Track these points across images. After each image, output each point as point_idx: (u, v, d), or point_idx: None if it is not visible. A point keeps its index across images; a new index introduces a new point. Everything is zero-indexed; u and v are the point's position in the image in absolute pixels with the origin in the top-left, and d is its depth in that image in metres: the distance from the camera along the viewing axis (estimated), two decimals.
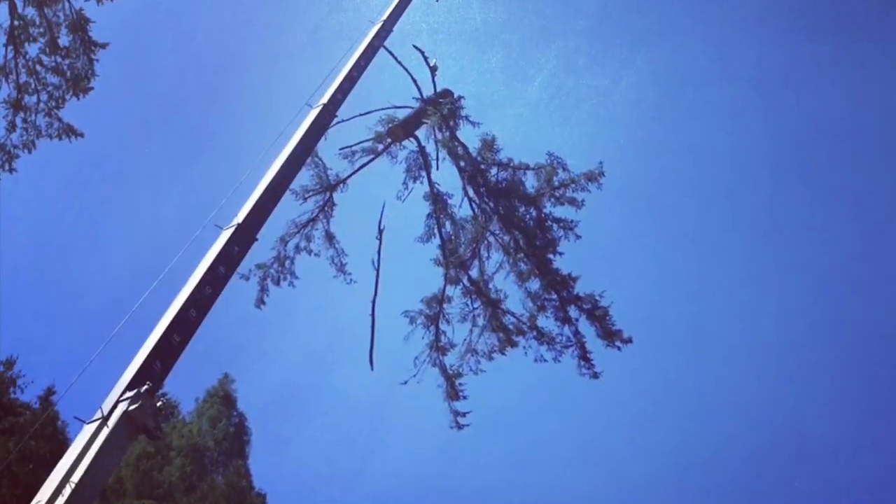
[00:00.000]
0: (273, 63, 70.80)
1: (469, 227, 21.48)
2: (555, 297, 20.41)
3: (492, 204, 21.67)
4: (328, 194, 21.93)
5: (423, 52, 22.62)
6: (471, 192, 21.73)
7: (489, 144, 21.36)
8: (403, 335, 21.03)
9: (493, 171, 21.62)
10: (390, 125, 21.58)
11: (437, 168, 22.03)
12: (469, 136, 21.56)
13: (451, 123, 21.48)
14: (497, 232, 21.48)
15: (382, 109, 21.88)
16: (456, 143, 21.46)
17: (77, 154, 67.54)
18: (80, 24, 24.97)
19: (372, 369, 21.51)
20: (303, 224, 21.81)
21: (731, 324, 61.92)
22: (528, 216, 21.25)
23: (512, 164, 21.44)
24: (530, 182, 21.25)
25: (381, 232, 21.47)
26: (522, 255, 20.89)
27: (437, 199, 21.83)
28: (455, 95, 22.65)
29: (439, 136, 21.55)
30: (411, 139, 22.05)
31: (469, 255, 21.28)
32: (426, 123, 21.58)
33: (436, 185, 22.05)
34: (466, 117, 21.82)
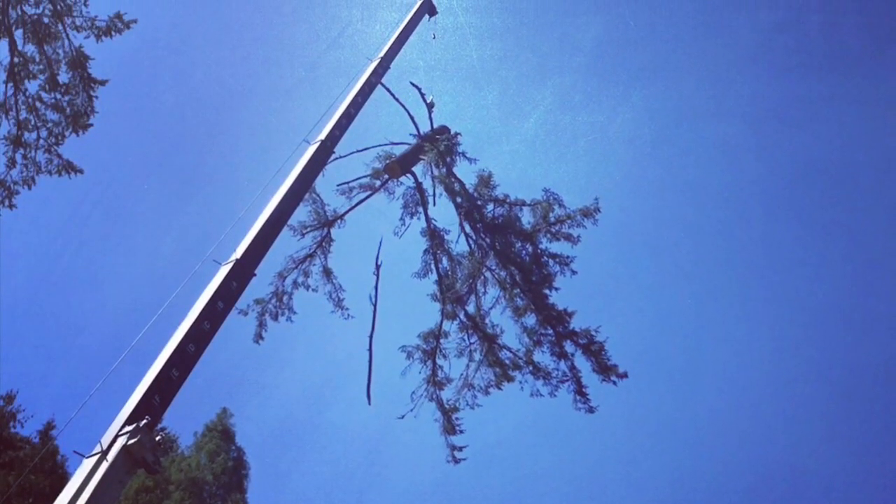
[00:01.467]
0: (271, 99, 71.19)
1: (466, 262, 21.56)
2: (551, 332, 20.46)
3: (488, 240, 21.76)
4: (326, 230, 22.04)
5: (420, 89, 22.81)
6: (467, 228, 21.84)
7: (486, 180, 21.49)
8: (400, 370, 21.07)
9: (490, 207, 21.73)
10: (387, 161, 21.71)
11: (434, 204, 22.16)
12: (466, 173, 21.67)
13: (448, 160, 21.63)
14: (493, 267, 21.54)
15: (380, 146, 22.03)
16: (453, 180, 21.59)
17: (77, 190, 67.90)
18: (79, 62, 25.16)
19: (369, 404, 21.53)
20: (301, 260, 21.90)
21: (726, 359, 61.88)
22: (524, 252, 21.35)
23: (508, 201, 21.57)
24: (526, 218, 21.36)
25: (378, 267, 21.56)
26: (519, 290, 20.95)
27: (434, 235, 21.94)
28: (452, 132, 22.82)
29: (436, 172, 21.68)
30: (408, 175, 22.19)
31: (466, 291, 21.34)
32: (423, 160, 21.73)
33: (433, 221, 22.18)
34: (463, 153, 21.97)
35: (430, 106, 22.89)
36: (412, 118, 22.33)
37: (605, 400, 20.76)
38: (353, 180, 21.96)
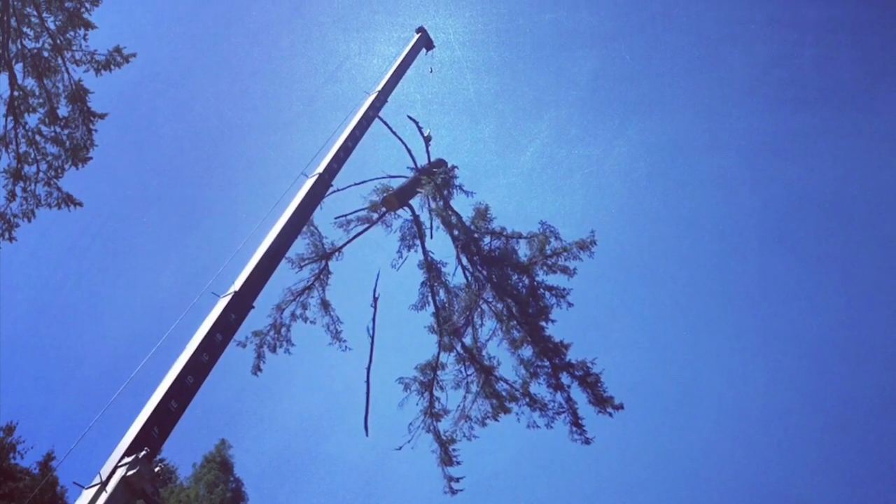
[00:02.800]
0: (269, 132, 71.42)
1: (463, 294, 21.66)
2: (547, 364, 20.54)
3: (485, 272, 21.86)
4: (324, 262, 22.13)
5: (417, 123, 23.01)
6: (464, 261, 21.96)
7: (482, 213, 21.64)
8: (398, 401, 21.11)
9: (487, 239, 21.87)
10: (385, 194, 21.84)
11: (431, 237, 22.28)
12: (463, 205, 21.82)
13: (445, 193, 21.78)
14: (490, 300, 21.68)
15: (377, 179, 22.18)
16: (450, 213, 21.73)
17: (76, 223, 67.93)
18: (79, 95, 25.33)
19: (367, 435, 21.59)
20: (299, 292, 21.97)
21: (721, 391, 61.77)
22: (520, 284, 21.45)
23: (505, 233, 21.70)
24: (523, 250, 21.50)
25: (375, 300, 21.64)
26: (515, 322, 21.05)
27: (432, 268, 22.03)
28: (449, 165, 23.00)
29: (433, 205, 21.83)
30: (406, 208, 22.33)
31: (463, 323, 21.42)
32: (420, 193, 21.88)
33: (430, 254, 22.29)
34: (460, 186, 22.14)
35: (427, 139, 23.09)
36: (409, 151, 22.51)
37: (601, 431, 20.82)
38: (351, 213, 22.08)
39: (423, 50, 27.26)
